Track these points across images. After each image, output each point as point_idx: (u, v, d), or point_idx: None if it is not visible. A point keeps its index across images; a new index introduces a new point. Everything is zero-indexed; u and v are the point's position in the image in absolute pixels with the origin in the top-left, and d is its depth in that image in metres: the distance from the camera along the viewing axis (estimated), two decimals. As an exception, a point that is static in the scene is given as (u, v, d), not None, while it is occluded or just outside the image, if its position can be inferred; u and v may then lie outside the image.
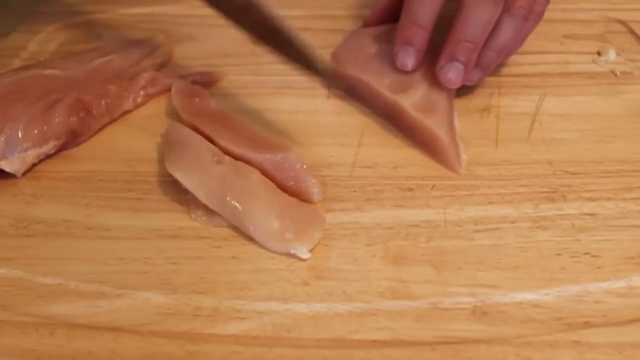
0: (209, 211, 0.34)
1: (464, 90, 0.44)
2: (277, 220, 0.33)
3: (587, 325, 0.29)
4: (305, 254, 0.32)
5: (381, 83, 0.41)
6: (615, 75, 0.46)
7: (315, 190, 0.36)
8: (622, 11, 0.54)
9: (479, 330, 0.29)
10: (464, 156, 0.38)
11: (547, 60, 0.48)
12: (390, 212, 0.35)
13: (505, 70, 0.47)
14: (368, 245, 0.34)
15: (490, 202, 0.36)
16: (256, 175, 0.35)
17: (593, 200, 0.36)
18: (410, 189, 0.37)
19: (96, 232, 0.35)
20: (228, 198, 0.34)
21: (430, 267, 0.32)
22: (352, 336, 0.29)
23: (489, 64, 0.41)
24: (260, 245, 0.33)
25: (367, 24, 0.48)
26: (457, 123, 0.41)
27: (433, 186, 0.37)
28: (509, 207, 0.35)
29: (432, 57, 0.41)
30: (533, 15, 0.41)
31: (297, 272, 0.32)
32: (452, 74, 0.39)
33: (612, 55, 0.48)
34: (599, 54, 0.49)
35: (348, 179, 0.38)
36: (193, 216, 0.35)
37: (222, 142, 0.37)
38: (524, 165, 0.38)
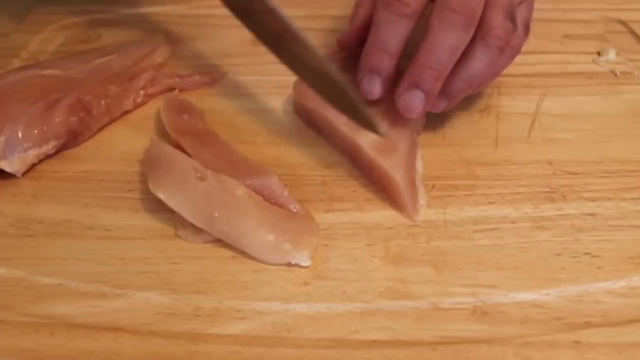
0: (197, 228, 0.34)
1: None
2: (271, 234, 0.33)
3: (587, 325, 0.29)
4: (306, 262, 0.32)
5: (340, 119, 0.37)
6: (615, 75, 0.46)
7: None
8: (622, 11, 0.54)
9: (479, 330, 0.29)
10: (422, 202, 0.36)
11: (547, 60, 0.48)
12: (390, 212, 0.35)
13: (505, 70, 0.46)
14: (368, 245, 0.34)
15: (490, 202, 0.36)
16: (241, 189, 0.34)
17: (593, 200, 0.36)
18: (410, 189, 0.37)
19: (96, 232, 0.35)
20: (216, 215, 0.33)
21: (430, 267, 0.32)
22: (352, 336, 0.29)
23: (456, 93, 0.38)
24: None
25: (341, 45, 0.44)
26: (420, 164, 0.38)
27: (433, 186, 0.37)
28: (509, 207, 0.35)
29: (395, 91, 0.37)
30: (510, 50, 0.38)
31: (297, 272, 0.32)
32: (412, 102, 0.36)
33: (612, 55, 0.48)
34: (599, 54, 0.49)
35: (348, 179, 0.38)
36: (181, 234, 0.34)
37: (202, 165, 0.36)
38: (524, 165, 0.38)
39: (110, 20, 0.55)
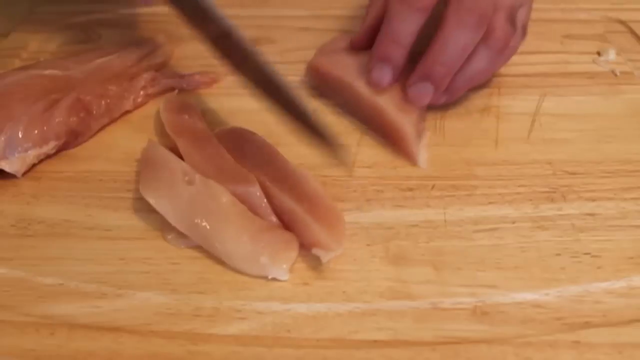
0: (181, 232, 0.33)
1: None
2: (249, 245, 0.32)
3: (587, 325, 0.29)
4: (284, 276, 0.31)
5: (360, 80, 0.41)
6: (615, 75, 0.46)
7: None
8: (622, 11, 0.54)
9: (479, 330, 0.29)
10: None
11: (547, 60, 0.48)
12: (390, 212, 0.35)
13: (505, 70, 0.46)
14: (368, 245, 0.34)
15: (490, 202, 0.36)
16: (227, 197, 0.33)
17: (593, 200, 0.36)
18: (410, 189, 0.37)
19: (96, 232, 0.35)
20: (197, 220, 0.33)
21: (430, 267, 0.32)
22: (352, 336, 0.29)
23: (457, 90, 0.40)
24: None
25: (353, 45, 0.44)
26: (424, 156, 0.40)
27: (433, 186, 0.37)
28: (509, 207, 0.35)
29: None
30: (508, 51, 0.40)
31: (297, 272, 0.32)
32: (422, 92, 0.38)
33: (612, 55, 0.48)
34: (599, 54, 0.49)
35: (348, 179, 0.38)
36: (168, 237, 0.34)
37: (193, 167, 0.35)
38: (524, 165, 0.38)
39: (110, 20, 0.55)
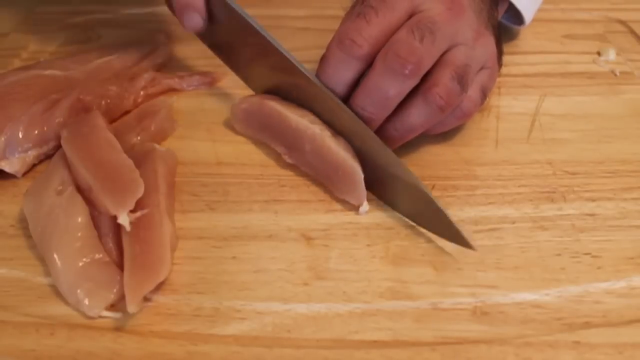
0: None
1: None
2: (74, 274, 0.31)
3: (587, 325, 0.29)
4: (93, 313, 0.30)
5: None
6: (615, 75, 0.46)
7: None
8: (622, 11, 0.54)
9: (479, 330, 0.29)
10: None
11: (547, 60, 0.48)
12: (390, 212, 0.35)
13: (505, 70, 0.46)
14: (368, 245, 0.34)
15: (490, 202, 0.36)
16: (83, 218, 0.32)
17: (593, 200, 0.36)
18: (410, 189, 0.37)
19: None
20: (45, 231, 0.32)
21: (430, 267, 0.32)
22: (352, 336, 0.29)
23: (390, 141, 0.37)
24: (261, 246, 0.34)
25: None
26: None
27: (433, 186, 0.37)
28: (509, 207, 0.35)
29: None
30: (457, 111, 0.37)
31: (297, 272, 0.32)
32: None
33: (612, 55, 0.48)
34: (599, 54, 0.49)
35: (348, 179, 0.38)
36: None
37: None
38: (524, 165, 0.38)
39: (110, 20, 0.55)
